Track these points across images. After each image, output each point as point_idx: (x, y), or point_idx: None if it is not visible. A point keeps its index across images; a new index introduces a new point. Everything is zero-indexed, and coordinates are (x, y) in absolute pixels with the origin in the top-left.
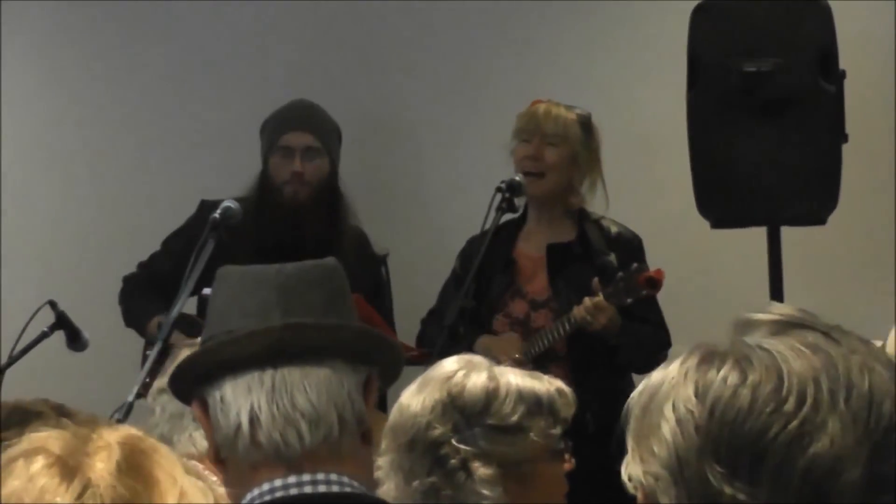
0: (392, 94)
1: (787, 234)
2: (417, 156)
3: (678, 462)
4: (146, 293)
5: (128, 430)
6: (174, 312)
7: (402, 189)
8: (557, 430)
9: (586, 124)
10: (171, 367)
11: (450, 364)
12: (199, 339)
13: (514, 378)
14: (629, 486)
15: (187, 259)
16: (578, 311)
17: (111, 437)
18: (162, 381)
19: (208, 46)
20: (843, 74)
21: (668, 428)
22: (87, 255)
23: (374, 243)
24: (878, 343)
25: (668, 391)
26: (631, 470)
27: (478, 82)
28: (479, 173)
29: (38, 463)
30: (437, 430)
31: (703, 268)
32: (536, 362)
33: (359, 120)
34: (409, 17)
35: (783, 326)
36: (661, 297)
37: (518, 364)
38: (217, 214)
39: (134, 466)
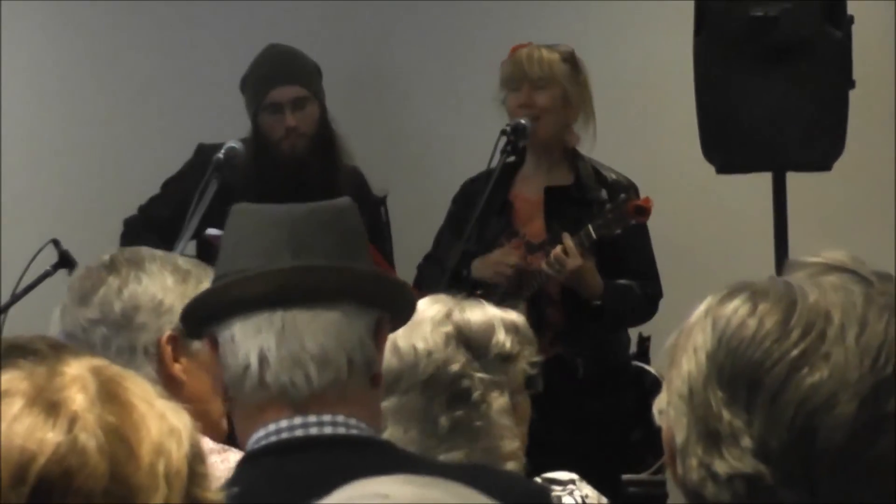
0: (389, 36)
1: (793, 179)
2: (414, 100)
3: (689, 390)
4: (145, 237)
5: (90, 358)
6: (177, 253)
7: (400, 133)
8: (534, 358)
9: (571, 60)
10: (78, 287)
11: (432, 303)
12: (107, 258)
13: (496, 310)
14: (657, 418)
15: (185, 203)
16: (546, 261)
17: (80, 368)
18: (92, 311)
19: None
20: (850, 20)
21: (685, 359)
22: (90, 193)
23: (373, 185)
24: None
25: (693, 326)
26: (658, 403)
27: (478, 26)
28: (475, 116)
29: (17, 404)
30: (457, 365)
31: (708, 213)
32: (532, 303)
33: (355, 64)
34: None
35: (824, 269)
36: (665, 243)
37: (518, 270)
38: (220, 155)
39: (112, 394)
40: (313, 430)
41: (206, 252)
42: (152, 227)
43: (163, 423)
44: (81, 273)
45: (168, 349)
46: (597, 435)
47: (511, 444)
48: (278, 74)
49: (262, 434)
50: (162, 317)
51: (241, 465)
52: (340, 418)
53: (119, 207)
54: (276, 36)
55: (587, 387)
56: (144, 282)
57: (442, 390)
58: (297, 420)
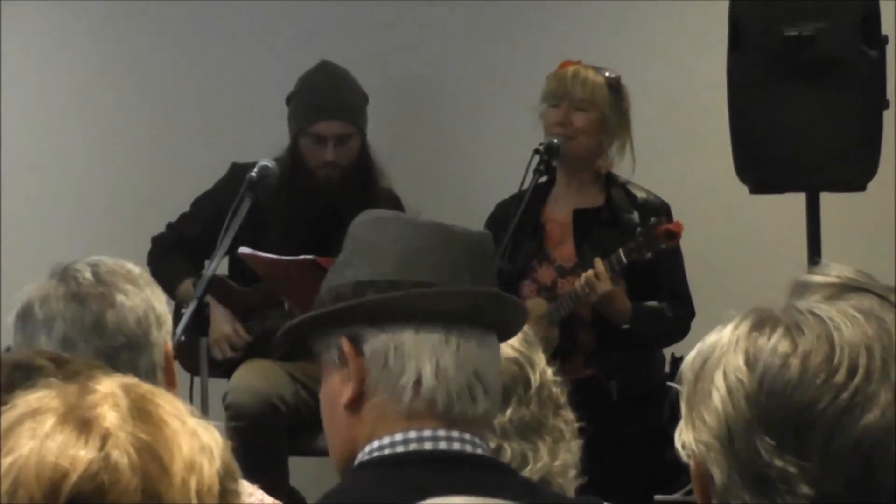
0: (425, 56)
1: (827, 199)
2: (450, 118)
3: (728, 432)
4: (174, 255)
5: (121, 377)
6: (210, 270)
7: (435, 151)
8: None
9: (615, 87)
10: (78, 313)
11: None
12: (88, 274)
13: None
14: (682, 453)
15: (216, 221)
16: (578, 284)
17: (111, 386)
18: (112, 338)
19: (241, 7)
20: (885, 40)
21: (718, 397)
22: (117, 210)
23: (407, 206)
24: None
25: (720, 357)
26: (684, 437)
27: (514, 43)
28: (512, 136)
29: (49, 421)
30: (549, 370)
31: (741, 233)
32: (564, 327)
33: (391, 83)
34: None
35: (839, 290)
36: (698, 262)
37: (540, 327)
38: (254, 174)
39: (144, 411)
40: (456, 446)
41: (238, 269)
42: (181, 244)
43: (194, 439)
44: (65, 294)
45: (171, 359)
46: (630, 455)
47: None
48: (328, 106)
49: (400, 439)
50: (162, 328)
51: (377, 467)
52: (478, 440)
53: (150, 227)
54: (312, 54)
55: (621, 407)
56: (140, 295)
57: (550, 399)
58: (441, 432)
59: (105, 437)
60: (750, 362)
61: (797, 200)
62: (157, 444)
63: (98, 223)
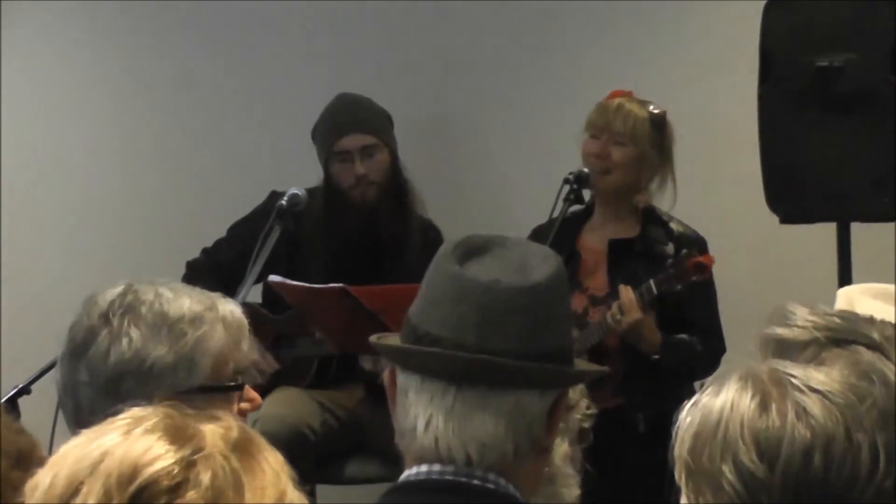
0: (457, 88)
1: (857, 230)
2: (483, 149)
3: None
4: (207, 281)
5: (244, 424)
6: (239, 299)
7: (468, 183)
8: (588, 411)
9: (659, 123)
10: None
11: None
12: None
13: None
14: None
15: (251, 247)
16: (608, 313)
17: (231, 422)
18: (82, 373)
19: (276, 41)
20: None
21: (732, 490)
22: (154, 234)
23: (446, 237)
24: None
25: (724, 444)
26: None
27: (546, 76)
28: (544, 166)
29: (148, 423)
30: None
31: (772, 263)
32: (592, 356)
33: (423, 115)
34: (472, 10)
35: (822, 345)
36: (728, 293)
37: (579, 323)
38: (283, 202)
39: (247, 451)
40: (448, 477)
41: (271, 297)
42: (216, 269)
43: (283, 496)
44: (87, 309)
45: None
46: (654, 488)
47: (572, 492)
48: (347, 122)
49: (414, 472)
50: (149, 383)
51: (385, 494)
52: (491, 476)
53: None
54: (347, 81)
55: (647, 440)
56: (135, 340)
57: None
58: (437, 467)
59: (197, 450)
60: (764, 454)
61: (828, 231)
62: (244, 479)
63: (99, 225)
